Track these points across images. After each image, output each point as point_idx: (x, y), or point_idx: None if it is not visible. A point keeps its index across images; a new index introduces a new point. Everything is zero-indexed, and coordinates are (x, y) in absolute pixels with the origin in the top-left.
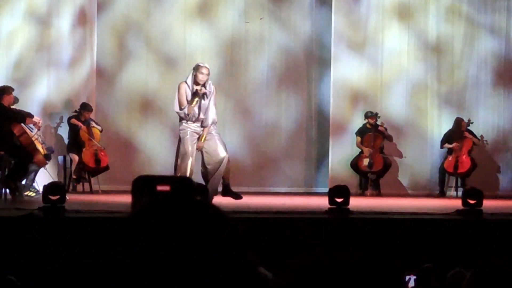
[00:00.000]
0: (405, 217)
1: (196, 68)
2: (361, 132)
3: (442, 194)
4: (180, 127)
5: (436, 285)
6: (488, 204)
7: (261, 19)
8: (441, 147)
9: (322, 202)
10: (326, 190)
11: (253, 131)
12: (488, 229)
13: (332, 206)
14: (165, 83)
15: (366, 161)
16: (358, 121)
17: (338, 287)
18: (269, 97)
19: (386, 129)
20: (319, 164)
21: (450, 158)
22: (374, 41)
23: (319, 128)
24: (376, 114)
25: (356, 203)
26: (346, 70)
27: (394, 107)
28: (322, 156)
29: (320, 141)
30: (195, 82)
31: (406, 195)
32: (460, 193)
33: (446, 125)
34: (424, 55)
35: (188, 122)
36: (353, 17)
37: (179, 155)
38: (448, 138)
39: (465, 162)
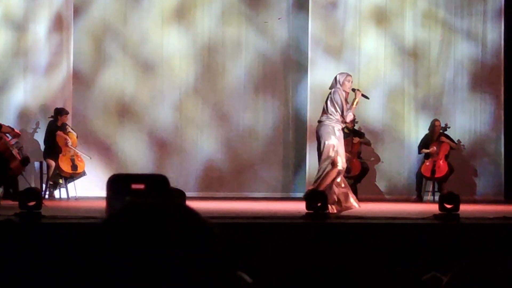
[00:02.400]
0: (382, 221)
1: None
2: None
3: (419, 199)
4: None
5: None
6: (465, 208)
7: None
8: (419, 152)
9: (299, 207)
10: (303, 195)
11: (230, 135)
12: (465, 233)
13: (309, 211)
14: (142, 88)
15: None
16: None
17: None
18: (246, 101)
19: (363, 134)
20: (296, 169)
21: (427, 162)
22: (351, 46)
23: (296, 132)
24: (354, 118)
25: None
26: (323, 75)
27: (371, 112)
28: (299, 161)
29: (297, 146)
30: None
31: (383, 199)
32: (437, 198)
33: (423, 129)
34: (401, 60)
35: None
36: (330, 22)
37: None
38: (425, 142)
39: (442, 167)
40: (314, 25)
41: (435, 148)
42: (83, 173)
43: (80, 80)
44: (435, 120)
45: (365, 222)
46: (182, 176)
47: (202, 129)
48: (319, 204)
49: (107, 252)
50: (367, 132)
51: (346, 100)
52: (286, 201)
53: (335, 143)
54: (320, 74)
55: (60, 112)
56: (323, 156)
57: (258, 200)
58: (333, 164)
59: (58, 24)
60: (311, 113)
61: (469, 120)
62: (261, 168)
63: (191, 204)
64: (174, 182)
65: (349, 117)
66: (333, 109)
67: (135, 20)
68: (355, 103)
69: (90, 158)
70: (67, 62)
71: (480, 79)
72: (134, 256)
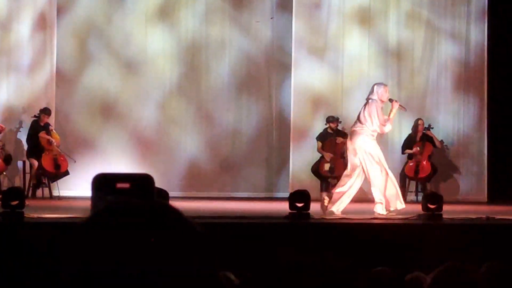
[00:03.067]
0: (365, 221)
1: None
2: (322, 137)
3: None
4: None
5: None
6: (448, 208)
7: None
8: (402, 152)
9: (283, 207)
10: (286, 195)
11: (214, 135)
12: (448, 233)
13: (292, 211)
14: (126, 87)
15: (327, 166)
16: (319, 126)
17: None
18: (230, 102)
19: (347, 134)
20: (279, 169)
21: (410, 163)
22: (335, 46)
23: (279, 133)
24: (337, 119)
25: (316, 208)
26: (306, 75)
27: (355, 112)
28: (282, 161)
29: (280, 146)
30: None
31: (366, 199)
32: (420, 198)
33: (406, 130)
34: (384, 60)
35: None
36: (313, 23)
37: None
38: (408, 143)
39: (426, 167)
40: (297, 26)
41: (418, 148)
42: (66, 173)
43: (64, 79)
44: (418, 120)
45: (348, 222)
46: (165, 176)
47: (185, 129)
48: (301, 204)
49: (91, 251)
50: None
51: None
52: (269, 201)
53: (373, 151)
54: (303, 74)
55: (43, 112)
56: (355, 165)
57: (241, 200)
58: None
59: (42, 23)
60: (295, 113)
61: (452, 120)
62: (244, 168)
63: (174, 204)
64: (157, 182)
65: (387, 128)
66: (368, 119)
67: (119, 20)
68: (392, 114)
69: (75, 162)
70: (50, 62)
71: (464, 80)
72: (116, 256)
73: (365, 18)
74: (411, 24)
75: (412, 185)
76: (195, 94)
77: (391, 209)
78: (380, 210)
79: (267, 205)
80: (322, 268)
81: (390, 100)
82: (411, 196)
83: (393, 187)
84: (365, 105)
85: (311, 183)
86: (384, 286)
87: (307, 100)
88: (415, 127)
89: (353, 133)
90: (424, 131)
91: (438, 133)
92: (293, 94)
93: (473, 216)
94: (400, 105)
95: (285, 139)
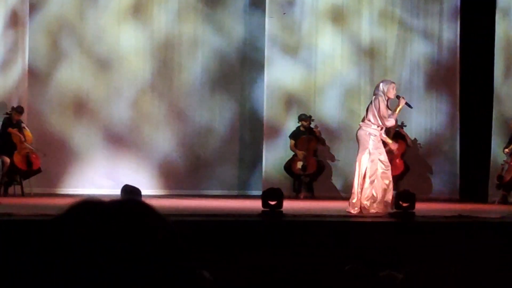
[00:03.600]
0: (338, 219)
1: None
2: (295, 135)
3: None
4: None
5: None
6: (421, 207)
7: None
8: None
9: (256, 205)
10: (259, 193)
11: (187, 133)
12: (420, 231)
13: (265, 209)
14: (99, 84)
15: (299, 164)
16: (292, 124)
17: (275, 286)
18: (203, 99)
19: (320, 132)
20: (252, 167)
21: None
22: (308, 44)
23: (252, 131)
24: (310, 117)
25: (289, 206)
26: (279, 73)
27: (327, 110)
28: (255, 159)
29: (253, 144)
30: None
31: (339, 197)
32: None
33: None
34: (357, 59)
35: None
36: (287, 21)
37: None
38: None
39: (398, 165)
40: (271, 23)
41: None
42: (38, 170)
43: (36, 76)
44: None
45: (321, 220)
46: (138, 173)
47: (158, 126)
48: (274, 202)
49: (60, 250)
50: (323, 130)
51: (388, 106)
52: (242, 199)
53: (370, 149)
54: (276, 72)
55: (15, 110)
56: (361, 161)
57: (214, 197)
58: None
59: (13, 20)
60: (268, 111)
61: (425, 119)
62: (217, 166)
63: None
64: (130, 179)
65: (390, 123)
66: (371, 116)
67: (91, 17)
68: (398, 109)
69: (44, 155)
70: (22, 59)
71: (436, 79)
72: (88, 254)
73: (338, 17)
74: (384, 23)
75: None
76: (167, 91)
77: (371, 210)
78: (350, 205)
79: (240, 203)
80: (296, 266)
81: (398, 97)
82: None
83: (375, 191)
84: (371, 101)
85: (284, 181)
86: (356, 284)
87: (280, 98)
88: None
89: (358, 128)
90: (397, 129)
91: (411, 131)
92: (266, 92)
93: (446, 214)
94: (406, 102)
95: (258, 137)
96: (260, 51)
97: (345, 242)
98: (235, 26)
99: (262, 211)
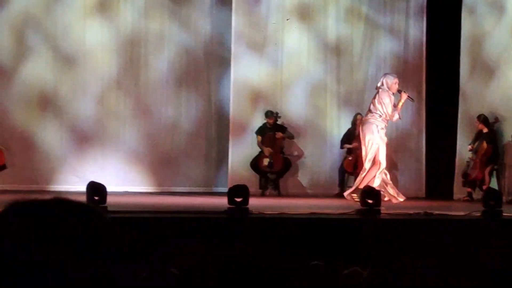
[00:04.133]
0: (304, 216)
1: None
2: (261, 132)
3: (341, 194)
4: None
5: (328, 283)
6: (387, 203)
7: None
8: (341, 147)
9: (222, 202)
10: (225, 189)
11: (153, 130)
12: (385, 228)
13: (231, 206)
14: (64, 80)
15: (266, 161)
16: (258, 121)
17: (241, 282)
18: (169, 96)
19: (286, 128)
20: (218, 163)
21: (349, 157)
22: (275, 41)
23: (219, 127)
24: (277, 113)
25: (255, 202)
26: (246, 70)
27: (294, 107)
28: (221, 156)
29: (220, 140)
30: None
31: (305, 195)
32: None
33: (345, 125)
34: (323, 56)
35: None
36: (253, 17)
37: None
38: (347, 137)
39: None
40: (237, 20)
41: (356, 143)
42: (3, 167)
43: (1, 72)
44: (357, 114)
45: (286, 216)
46: (104, 170)
47: (124, 123)
48: (240, 199)
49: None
50: (290, 127)
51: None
52: (208, 196)
53: (377, 141)
54: (243, 69)
55: None
56: (367, 154)
57: (180, 194)
58: (375, 163)
59: None
60: (234, 108)
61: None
62: (183, 163)
63: (112, 198)
64: (95, 176)
65: (395, 118)
66: (380, 108)
67: (57, 12)
68: (400, 104)
69: (6, 149)
70: None
71: (402, 75)
72: (24, 254)
73: (304, 14)
74: (350, 20)
75: (351, 180)
76: (134, 88)
77: (385, 199)
78: (347, 192)
79: (206, 200)
80: (259, 263)
81: (399, 91)
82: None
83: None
84: (375, 94)
85: (250, 178)
86: (319, 281)
87: (246, 94)
88: (354, 122)
89: (363, 122)
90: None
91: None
92: (233, 88)
93: (411, 211)
94: (408, 96)
95: (224, 134)
96: (226, 47)
97: (311, 239)
98: (202, 23)
99: (228, 208)
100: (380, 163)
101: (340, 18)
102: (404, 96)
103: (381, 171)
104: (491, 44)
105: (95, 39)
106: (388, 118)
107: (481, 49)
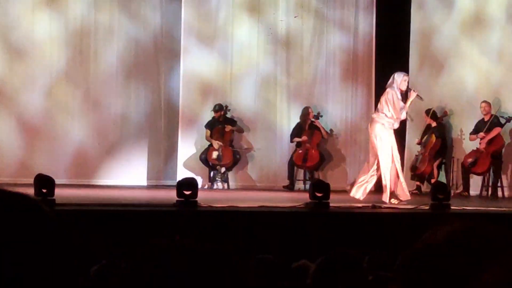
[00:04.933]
0: (253, 210)
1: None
2: (210, 125)
3: (291, 187)
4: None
5: (277, 276)
6: (336, 197)
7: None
8: (291, 141)
9: (171, 195)
10: (174, 182)
11: (102, 122)
12: (334, 221)
13: (180, 199)
14: (13, 73)
15: (215, 154)
16: (208, 114)
17: (189, 275)
18: (118, 88)
19: (235, 122)
20: (168, 156)
21: (299, 151)
22: (224, 34)
23: (168, 120)
24: (225, 107)
25: (204, 195)
26: (196, 63)
27: (243, 100)
28: (171, 149)
29: (169, 133)
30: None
31: (255, 188)
32: (308, 186)
33: (295, 118)
34: (273, 49)
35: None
36: (203, 10)
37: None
38: (297, 131)
39: (314, 155)
40: (187, 13)
41: (306, 137)
42: None
43: None
44: (307, 108)
45: (235, 210)
46: (52, 163)
47: (73, 115)
48: (189, 192)
49: None
50: (240, 120)
51: (401, 99)
52: (157, 189)
53: (386, 140)
54: (192, 61)
55: None
56: (376, 153)
57: (129, 187)
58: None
59: None
60: (183, 101)
61: (340, 109)
62: (132, 155)
63: (60, 191)
64: (43, 169)
65: (403, 116)
66: (386, 108)
67: (5, 4)
68: (409, 102)
69: None
70: None
71: (352, 69)
72: None
73: (254, 6)
74: (300, 13)
75: (300, 173)
76: (83, 80)
77: (402, 199)
78: (385, 198)
79: (155, 192)
80: (205, 255)
81: (409, 89)
82: (299, 184)
83: (400, 178)
84: (383, 93)
85: (199, 171)
86: (267, 274)
87: (196, 87)
88: (303, 116)
89: (371, 120)
90: (313, 120)
91: (327, 122)
92: (182, 81)
93: (360, 205)
94: (418, 95)
95: (174, 127)
96: (176, 40)
97: (259, 232)
98: (151, 15)
99: (177, 201)
100: (393, 159)
101: (290, 11)
102: (413, 94)
103: (389, 168)
104: (440, 39)
105: (44, 31)
106: (394, 116)
107: (430, 44)
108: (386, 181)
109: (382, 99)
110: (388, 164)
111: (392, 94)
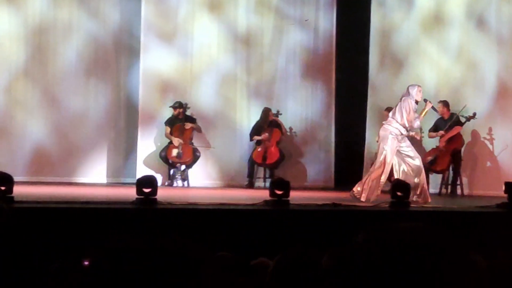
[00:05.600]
0: (212, 207)
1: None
2: (170, 122)
3: (250, 185)
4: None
5: (236, 274)
6: (296, 195)
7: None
8: (251, 139)
9: (130, 193)
10: (134, 180)
11: (61, 119)
12: (294, 219)
13: (139, 196)
14: None
15: (175, 152)
16: (168, 111)
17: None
18: (77, 85)
19: (195, 119)
20: (127, 154)
21: (259, 149)
22: (184, 31)
23: (128, 117)
24: (186, 104)
25: (164, 193)
26: (155, 60)
27: (203, 98)
28: (130, 146)
29: (128, 130)
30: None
31: (215, 185)
32: (268, 184)
33: (255, 116)
34: (233, 47)
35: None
36: (163, 7)
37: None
38: (256, 129)
39: (274, 153)
40: (147, 10)
41: (266, 134)
42: None
43: None
44: (268, 109)
45: (195, 207)
46: (10, 160)
47: (31, 112)
48: (149, 190)
49: None
50: (199, 118)
51: (415, 109)
52: (116, 187)
53: (389, 147)
54: (152, 59)
55: None
56: (378, 157)
57: (88, 185)
58: (380, 166)
59: None
60: (143, 98)
61: (300, 107)
62: (91, 153)
63: (19, 188)
64: (2, 166)
65: (416, 125)
66: (399, 116)
67: None
68: (424, 112)
69: None
70: None
71: (312, 67)
72: None
73: (214, 4)
74: (260, 11)
75: (260, 171)
76: (41, 77)
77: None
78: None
79: (114, 190)
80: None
81: (425, 100)
82: (259, 182)
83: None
84: (398, 102)
85: (159, 169)
86: (226, 271)
87: (155, 85)
88: (263, 114)
89: (381, 127)
90: (273, 118)
91: (287, 120)
92: (142, 78)
93: (320, 203)
94: (433, 106)
95: (133, 124)
96: (136, 37)
97: (219, 230)
98: (111, 12)
99: (136, 198)
100: (384, 168)
101: (250, 9)
102: (429, 105)
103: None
104: (400, 37)
105: (2, 28)
106: (408, 125)
107: (390, 42)
108: (370, 182)
109: (396, 108)
110: (374, 168)
111: (408, 102)
